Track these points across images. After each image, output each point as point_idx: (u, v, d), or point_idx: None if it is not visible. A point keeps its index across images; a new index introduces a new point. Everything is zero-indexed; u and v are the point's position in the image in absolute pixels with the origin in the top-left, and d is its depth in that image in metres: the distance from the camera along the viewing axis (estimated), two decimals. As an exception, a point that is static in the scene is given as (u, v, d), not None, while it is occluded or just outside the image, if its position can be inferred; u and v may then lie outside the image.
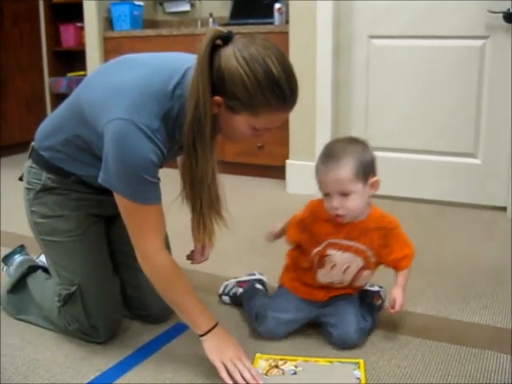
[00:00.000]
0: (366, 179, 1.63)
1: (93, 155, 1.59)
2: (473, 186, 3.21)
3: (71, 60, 5.07)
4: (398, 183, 3.35)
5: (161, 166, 1.53)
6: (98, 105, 1.52)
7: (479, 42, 3.05)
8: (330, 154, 1.63)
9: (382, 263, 1.78)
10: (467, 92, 3.13)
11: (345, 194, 1.60)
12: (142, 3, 4.47)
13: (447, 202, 3.26)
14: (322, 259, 1.74)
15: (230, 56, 1.40)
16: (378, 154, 3.25)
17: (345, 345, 1.72)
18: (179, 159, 1.76)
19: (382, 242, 1.72)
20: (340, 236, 1.71)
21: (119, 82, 1.52)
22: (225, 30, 1.44)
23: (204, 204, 1.54)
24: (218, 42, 1.43)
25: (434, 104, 3.22)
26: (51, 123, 1.71)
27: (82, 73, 4.68)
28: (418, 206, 3.23)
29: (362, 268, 1.75)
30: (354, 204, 1.62)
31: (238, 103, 1.43)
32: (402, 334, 1.80)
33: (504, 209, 3.11)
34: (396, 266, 1.77)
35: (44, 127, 1.74)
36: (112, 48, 4.26)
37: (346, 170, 1.59)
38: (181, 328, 1.83)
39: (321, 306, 1.81)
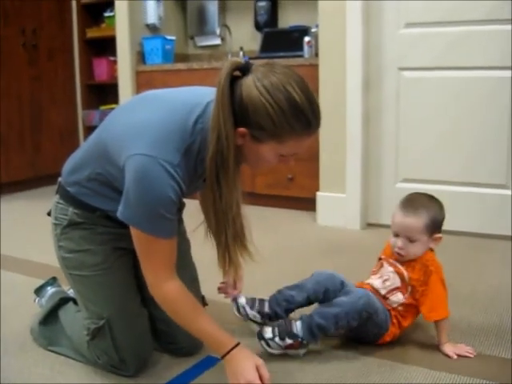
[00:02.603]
0: (432, 234, 1.87)
1: (117, 190, 1.59)
2: (506, 218, 3.16)
3: (104, 93, 5.16)
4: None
5: (180, 201, 1.55)
6: (119, 141, 1.54)
7: (509, 73, 3.03)
8: (411, 202, 1.90)
9: (416, 302, 1.89)
10: (498, 122, 3.10)
11: (411, 240, 1.86)
12: (173, 37, 4.55)
13: (480, 234, 3.22)
14: (379, 268, 1.98)
15: (250, 86, 1.41)
16: (408, 185, 3.32)
17: None
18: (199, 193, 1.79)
19: (422, 279, 1.87)
20: (393, 258, 1.95)
21: (140, 118, 1.54)
22: (242, 60, 1.46)
23: (229, 237, 1.54)
24: (237, 73, 1.44)
25: (465, 135, 3.19)
26: (76, 159, 1.74)
27: (114, 106, 4.75)
28: (450, 238, 3.16)
29: (398, 289, 1.90)
30: (415, 250, 1.87)
31: (263, 133, 1.43)
32: (434, 370, 1.76)
33: (538, 241, 3.05)
34: (425, 313, 1.87)
35: (70, 163, 1.76)
36: (144, 81, 4.33)
37: (419, 220, 1.85)
38: (211, 361, 1.82)
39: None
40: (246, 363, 1.57)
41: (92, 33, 5.05)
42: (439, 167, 3.29)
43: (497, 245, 3.09)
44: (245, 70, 1.45)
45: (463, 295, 2.34)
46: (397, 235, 1.89)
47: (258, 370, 1.57)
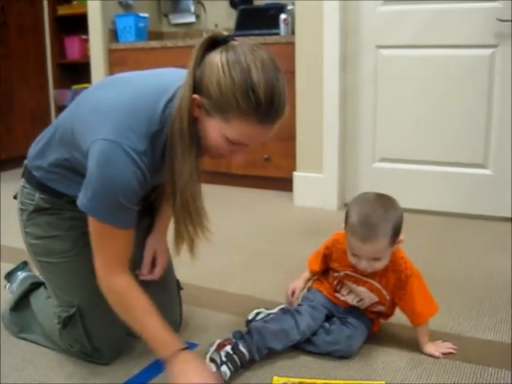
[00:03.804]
0: (396, 241, 1.66)
1: (83, 176, 1.53)
2: (484, 197, 3.16)
3: (76, 72, 5.05)
4: (407, 195, 3.28)
5: (143, 191, 1.48)
6: (84, 125, 1.47)
7: (488, 51, 3.01)
8: (367, 223, 1.60)
9: (397, 305, 1.80)
10: (477, 101, 3.08)
11: (376, 259, 1.65)
12: (146, 15, 4.46)
13: (457, 214, 3.21)
14: (340, 284, 1.81)
15: (216, 57, 1.35)
16: (386, 165, 3.30)
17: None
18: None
19: (398, 284, 1.73)
20: (358, 272, 1.73)
21: (106, 102, 1.47)
22: (224, 33, 1.40)
23: (177, 207, 1.47)
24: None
25: (443, 114, 3.17)
26: (42, 143, 1.66)
27: (86, 85, 4.65)
28: (427, 218, 3.18)
29: (376, 303, 1.78)
30: (381, 265, 1.68)
31: (211, 103, 1.36)
32: (415, 352, 1.74)
33: (516, 220, 3.06)
34: (412, 319, 1.75)
35: (35, 146, 1.69)
36: (117, 60, 4.25)
37: (382, 241, 1.61)
38: (189, 346, 1.78)
39: (340, 309, 1.83)
40: (196, 363, 1.49)
41: (63, 10, 4.94)
42: (417, 147, 3.27)
43: (474, 224, 3.09)
44: (223, 42, 1.38)
45: (441, 276, 2.33)
46: (357, 256, 1.66)
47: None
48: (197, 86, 1.37)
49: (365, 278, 1.74)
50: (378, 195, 1.68)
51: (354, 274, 1.75)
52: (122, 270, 1.51)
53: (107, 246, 1.49)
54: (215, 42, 1.39)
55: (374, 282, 1.73)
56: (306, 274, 1.91)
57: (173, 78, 1.51)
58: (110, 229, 1.45)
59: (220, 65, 1.33)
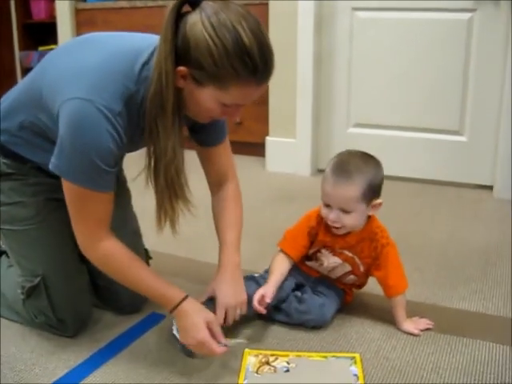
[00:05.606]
0: (370, 201, 1.61)
1: (51, 141, 1.45)
2: (458, 164, 3.13)
3: (43, 33, 4.89)
4: (381, 161, 3.24)
5: (122, 156, 1.41)
6: (54, 85, 1.39)
7: (466, 15, 2.95)
8: (342, 168, 1.59)
9: (371, 275, 1.75)
10: (453, 67, 3.03)
11: (346, 211, 1.59)
12: (115, -27, 4.31)
13: (431, 181, 3.18)
14: (315, 254, 1.75)
15: (196, 22, 1.27)
16: (360, 130, 3.25)
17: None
18: None
19: (372, 254, 1.69)
20: (336, 246, 1.70)
21: (79, 61, 1.39)
22: None
23: (162, 184, 1.42)
24: (187, 8, 1.31)
25: (419, 79, 3.12)
26: (7, 105, 1.57)
27: (53, 46, 4.52)
28: (401, 185, 3.15)
29: (349, 273, 1.74)
30: (351, 221, 1.62)
31: (203, 74, 1.30)
32: (389, 324, 1.71)
33: (490, 188, 3.04)
34: (386, 290, 1.70)
35: None
36: (84, 20, 4.12)
37: (354, 189, 1.57)
38: (155, 318, 1.74)
39: (311, 278, 1.79)
40: (194, 319, 1.46)
41: (28, -33, 4.77)
42: (392, 112, 3.22)
43: (449, 192, 3.07)
44: (195, 4, 1.30)
45: (415, 244, 2.31)
46: (328, 205, 1.62)
47: (208, 326, 1.47)
48: (181, 57, 1.30)
49: (341, 250, 1.70)
50: (363, 152, 1.66)
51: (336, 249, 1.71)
52: (108, 235, 1.46)
53: (87, 212, 1.42)
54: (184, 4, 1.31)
55: (348, 253, 1.70)
56: (276, 277, 1.69)
57: (146, 41, 1.44)
58: (89, 192, 1.38)
59: (205, 32, 1.25)
